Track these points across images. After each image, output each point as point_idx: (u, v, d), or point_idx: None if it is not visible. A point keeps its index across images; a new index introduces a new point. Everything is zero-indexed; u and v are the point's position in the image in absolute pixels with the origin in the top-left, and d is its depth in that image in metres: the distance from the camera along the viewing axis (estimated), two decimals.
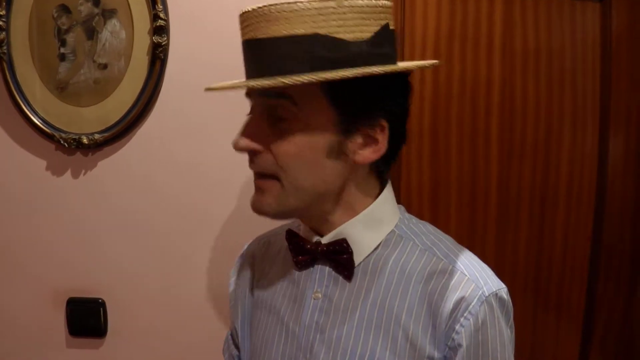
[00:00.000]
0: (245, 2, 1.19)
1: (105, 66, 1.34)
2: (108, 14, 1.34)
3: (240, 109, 1.20)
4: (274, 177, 0.76)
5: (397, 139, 0.79)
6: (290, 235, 0.85)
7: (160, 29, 1.31)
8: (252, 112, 0.80)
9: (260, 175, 0.78)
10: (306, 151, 0.75)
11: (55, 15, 1.36)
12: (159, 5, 1.31)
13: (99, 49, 1.34)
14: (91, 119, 1.36)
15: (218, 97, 1.28)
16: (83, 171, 1.38)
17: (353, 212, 0.80)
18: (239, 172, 1.29)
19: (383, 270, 0.79)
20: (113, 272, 1.40)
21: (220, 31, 1.29)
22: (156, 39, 1.30)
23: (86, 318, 1.41)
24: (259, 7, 0.72)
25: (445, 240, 0.82)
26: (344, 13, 0.70)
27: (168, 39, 1.31)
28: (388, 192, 0.83)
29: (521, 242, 1.38)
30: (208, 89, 0.78)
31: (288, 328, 0.84)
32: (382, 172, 0.82)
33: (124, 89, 1.34)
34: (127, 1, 1.32)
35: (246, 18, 0.74)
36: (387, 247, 0.80)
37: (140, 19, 1.32)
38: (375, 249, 0.80)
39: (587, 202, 1.36)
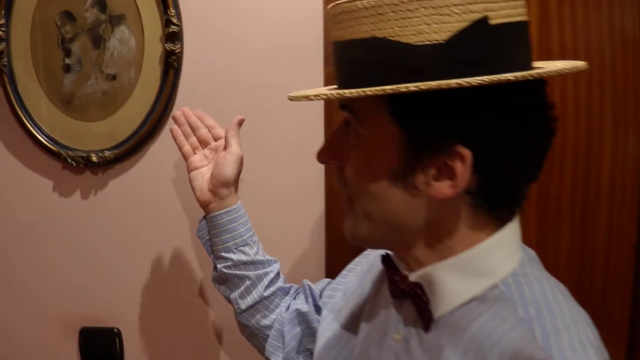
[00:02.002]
0: (262, 5, 1.19)
1: (114, 77, 1.26)
2: (116, 20, 1.25)
3: (260, 123, 1.18)
4: (350, 198, 0.69)
5: (501, 173, 0.62)
6: (384, 259, 0.74)
7: (173, 36, 1.22)
8: None
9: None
10: (365, 173, 0.66)
11: (59, 22, 1.27)
12: (171, 9, 1.21)
13: (107, 58, 1.26)
14: (100, 134, 1.28)
15: (236, 109, 1.19)
16: (93, 191, 1.31)
17: (446, 253, 0.66)
18: (257, 189, 1.22)
19: (465, 332, 0.64)
20: (128, 299, 1.32)
21: (237, 36, 1.21)
22: (169, 46, 1.22)
23: (101, 349, 1.33)
24: (341, 3, 0.63)
25: (559, 314, 0.62)
26: (410, 10, 0.59)
27: (182, 46, 1.23)
28: (504, 237, 0.66)
29: (562, 250, 1.30)
30: (292, 98, 0.70)
31: (368, 354, 0.75)
32: (495, 210, 0.65)
33: (135, 102, 1.25)
34: (137, 6, 1.23)
35: (332, 14, 0.66)
36: (481, 304, 0.64)
37: (151, 25, 1.23)
38: (467, 302, 0.65)
39: (630, 207, 1.29)
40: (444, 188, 0.62)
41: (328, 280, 0.99)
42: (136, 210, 1.29)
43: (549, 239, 1.30)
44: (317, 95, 0.64)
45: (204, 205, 1.00)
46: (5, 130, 1.33)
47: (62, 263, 1.33)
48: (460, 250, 0.65)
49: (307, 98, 0.65)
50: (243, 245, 0.99)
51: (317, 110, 1.16)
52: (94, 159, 1.28)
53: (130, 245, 1.31)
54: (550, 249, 1.30)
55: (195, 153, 1.05)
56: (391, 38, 0.59)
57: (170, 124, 1.26)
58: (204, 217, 1.02)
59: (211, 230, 1.00)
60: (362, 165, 0.66)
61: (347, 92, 0.60)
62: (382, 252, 0.75)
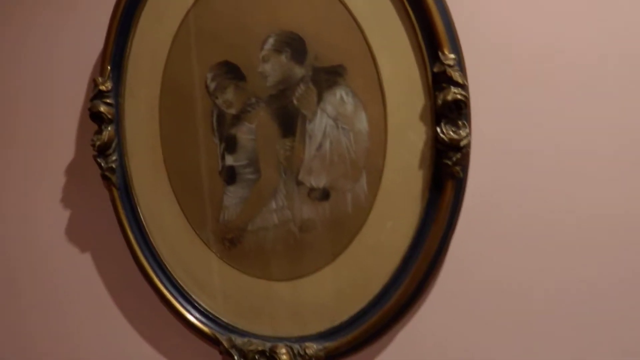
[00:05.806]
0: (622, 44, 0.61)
1: (325, 194, 0.71)
2: (327, 77, 0.69)
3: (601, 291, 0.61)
4: None
5: None
6: None
7: (453, 109, 0.62)
8: None
9: None
10: None
11: (212, 86, 0.74)
12: (447, 51, 0.62)
13: (310, 156, 0.70)
14: (297, 306, 0.74)
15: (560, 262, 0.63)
16: None
17: None
18: None
19: None
20: None
21: (594, 111, 0.61)
22: (446, 131, 0.63)
23: None
24: None
25: None
26: None
27: (469, 131, 0.63)
28: None
29: None
30: None
31: None
32: None
33: (367, 245, 0.68)
34: (369, 47, 0.65)
35: None
36: None
37: (401, 87, 0.66)
38: None
39: None
40: None
41: None
42: None
43: None
44: None
45: None
46: (120, 290, 0.86)
47: None
48: None
49: None
50: None
51: None
52: (284, 355, 0.73)
53: None
54: None
55: None
56: None
57: (439, 289, 0.68)
58: None
59: None
60: None
61: None
62: None
